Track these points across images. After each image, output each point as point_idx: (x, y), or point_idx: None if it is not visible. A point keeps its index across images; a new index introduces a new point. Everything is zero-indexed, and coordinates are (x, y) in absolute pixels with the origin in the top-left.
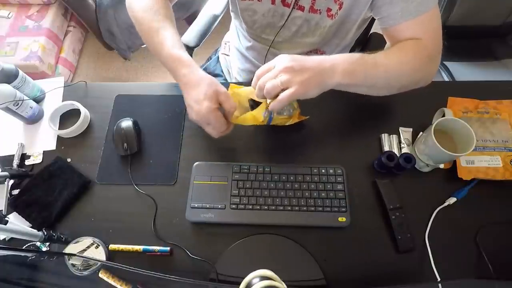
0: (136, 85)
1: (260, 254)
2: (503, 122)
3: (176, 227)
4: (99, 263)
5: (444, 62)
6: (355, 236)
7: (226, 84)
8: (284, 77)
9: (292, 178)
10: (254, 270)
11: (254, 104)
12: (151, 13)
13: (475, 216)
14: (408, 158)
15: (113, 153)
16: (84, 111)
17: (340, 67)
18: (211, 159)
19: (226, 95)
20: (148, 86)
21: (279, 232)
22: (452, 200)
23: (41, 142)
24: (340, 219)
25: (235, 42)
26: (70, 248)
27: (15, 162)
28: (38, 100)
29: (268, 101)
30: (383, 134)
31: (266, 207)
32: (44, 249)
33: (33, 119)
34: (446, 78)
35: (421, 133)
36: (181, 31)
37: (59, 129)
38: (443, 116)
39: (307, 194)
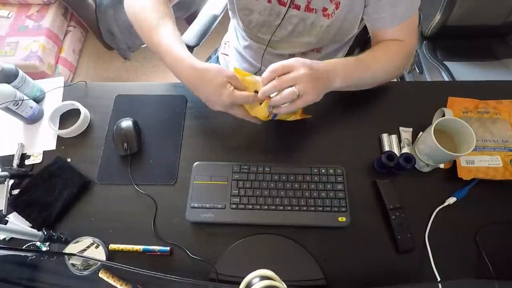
0: (136, 85)
1: (260, 254)
2: (503, 122)
3: (176, 227)
4: (99, 263)
5: (444, 62)
6: (355, 236)
7: None
8: (302, 87)
9: (292, 178)
10: (254, 270)
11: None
12: (150, 11)
13: (475, 216)
14: (408, 158)
15: (113, 153)
16: (84, 111)
17: (340, 72)
18: (211, 159)
19: (234, 78)
20: (148, 86)
21: (279, 232)
22: (452, 200)
23: (41, 142)
24: (340, 219)
25: (233, 42)
26: (70, 248)
27: (15, 162)
28: (38, 100)
29: (272, 95)
30: (383, 134)
31: (266, 207)
32: (44, 249)
33: (33, 119)
34: (446, 78)
35: (421, 133)
36: (181, 31)
37: (59, 129)
38: (443, 116)
39: (307, 194)
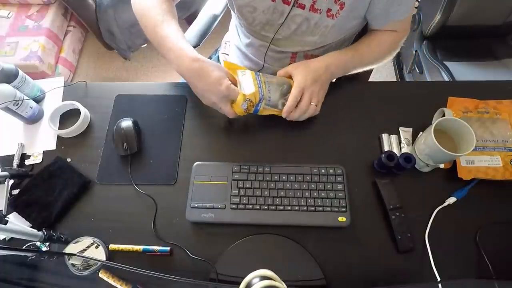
0: (136, 85)
1: (260, 254)
2: (503, 122)
3: (176, 227)
4: (99, 263)
5: (444, 62)
6: (355, 236)
7: None
8: (316, 98)
9: (292, 178)
10: (254, 270)
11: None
12: (155, 9)
13: (475, 216)
14: (408, 158)
15: (113, 153)
16: (84, 111)
17: (338, 66)
18: (211, 159)
19: (230, 75)
20: (148, 86)
21: (279, 232)
22: (452, 200)
23: (41, 142)
24: (340, 219)
25: (234, 39)
26: (70, 248)
27: (15, 162)
28: (38, 100)
29: (247, 92)
30: (383, 134)
31: (266, 207)
32: (44, 249)
33: (33, 119)
34: (446, 78)
35: (421, 133)
36: (182, 30)
37: (59, 129)
38: (443, 116)
39: (307, 194)
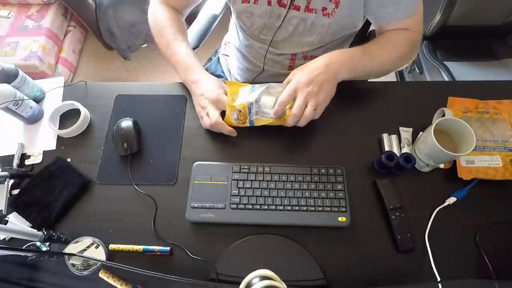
0: (136, 85)
1: (260, 254)
2: (503, 122)
3: (176, 227)
4: (99, 263)
5: (444, 62)
6: (355, 236)
7: None
8: (314, 101)
9: (292, 178)
10: (254, 270)
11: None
12: (167, 28)
13: (475, 216)
14: (408, 158)
15: (113, 153)
16: (84, 111)
17: (345, 64)
18: (211, 159)
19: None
20: (148, 86)
21: (279, 232)
22: (452, 200)
23: (41, 142)
24: (340, 219)
25: (234, 41)
26: (70, 248)
27: (15, 162)
28: (38, 100)
29: (236, 104)
30: (383, 134)
31: (266, 207)
32: (44, 249)
33: (33, 119)
34: (446, 78)
35: (421, 133)
36: None
37: (59, 129)
38: (443, 116)
39: (307, 194)
